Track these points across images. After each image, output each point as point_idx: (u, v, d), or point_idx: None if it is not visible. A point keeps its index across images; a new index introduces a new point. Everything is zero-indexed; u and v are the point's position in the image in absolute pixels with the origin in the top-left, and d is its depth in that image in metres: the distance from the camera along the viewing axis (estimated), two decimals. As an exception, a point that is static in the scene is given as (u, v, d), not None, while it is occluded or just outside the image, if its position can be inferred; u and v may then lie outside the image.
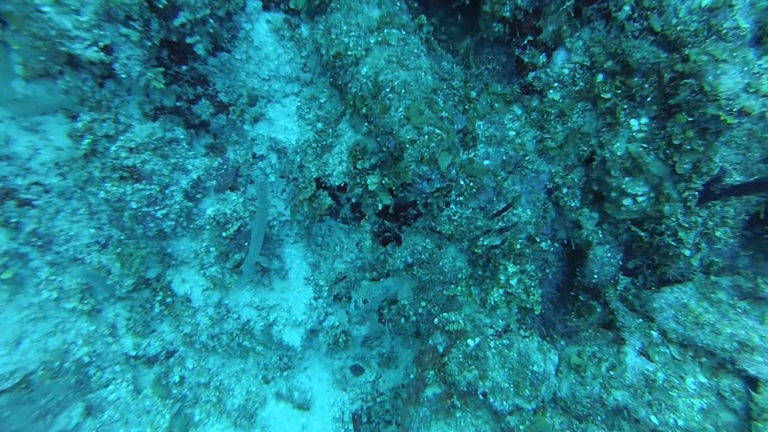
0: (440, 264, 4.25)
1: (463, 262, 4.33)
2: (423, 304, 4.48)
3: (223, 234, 4.09)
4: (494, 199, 4.12)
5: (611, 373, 4.07)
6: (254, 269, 4.18)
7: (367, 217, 3.84)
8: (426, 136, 3.14)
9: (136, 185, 3.54)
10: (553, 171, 4.21)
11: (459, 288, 4.29)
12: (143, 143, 3.48)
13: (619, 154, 3.71)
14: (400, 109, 3.20)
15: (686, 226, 3.78)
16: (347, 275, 4.62)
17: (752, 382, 3.40)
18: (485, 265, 4.29)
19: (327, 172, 3.78)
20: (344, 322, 4.84)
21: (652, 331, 4.04)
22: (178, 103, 3.66)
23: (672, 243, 3.85)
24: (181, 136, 3.72)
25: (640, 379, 3.91)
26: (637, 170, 3.64)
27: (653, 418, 3.72)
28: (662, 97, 3.39)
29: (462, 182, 3.90)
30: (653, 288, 4.37)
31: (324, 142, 3.83)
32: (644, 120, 3.55)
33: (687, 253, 3.88)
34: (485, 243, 4.14)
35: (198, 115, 3.74)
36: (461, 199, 3.96)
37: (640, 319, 4.21)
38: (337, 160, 3.77)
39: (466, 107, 3.94)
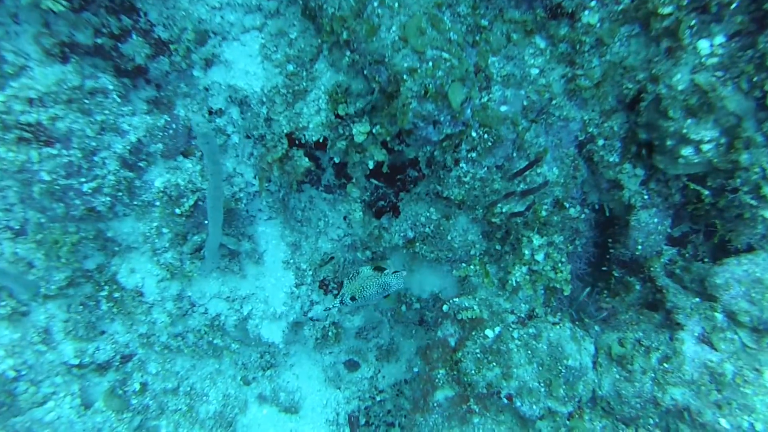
0: (448, 238, 3.43)
1: (476, 235, 3.51)
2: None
3: (177, 211, 3.26)
4: (514, 155, 3.28)
5: (665, 365, 3.30)
6: (219, 253, 3.36)
7: (354, 181, 3.00)
8: (430, 63, 2.29)
9: (45, 150, 2.67)
10: (586, 118, 3.36)
11: (472, 267, 3.50)
12: (50, 93, 2.60)
13: (680, 88, 2.86)
14: (394, 29, 2.33)
15: (776, 176, 2.92)
16: (335, 256, 3.80)
17: None
18: (504, 237, 3.48)
19: (301, 125, 2.92)
20: (334, 312, 4.05)
21: (716, 313, 3.24)
22: (98, 40, 2.76)
23: (750, 202, 3.01)
24: (110, 86, 2.84)
25: (702, 373, 3.14)
26: (706, 108, 2.80)
27: (723, 422, 2.99)
28: (754, 1, 2.52)
29: (474, 134, 3.05)
30: (706, 260, 3.57)
31: (296, 88, 2.96)
32: (719, 39, 2.69)
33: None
34: (504, 210, 3.32)
35: (129, 57, 2.85)
36: (473, 155, 3.11)
37: (697, 299, 3.43)
38: (313, 109, 2.91)
39: (476, 39, 3.06)
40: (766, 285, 3.06)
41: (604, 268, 3.97)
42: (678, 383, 3.15)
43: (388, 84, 2.38)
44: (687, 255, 3.66)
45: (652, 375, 3.24)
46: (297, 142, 2.98)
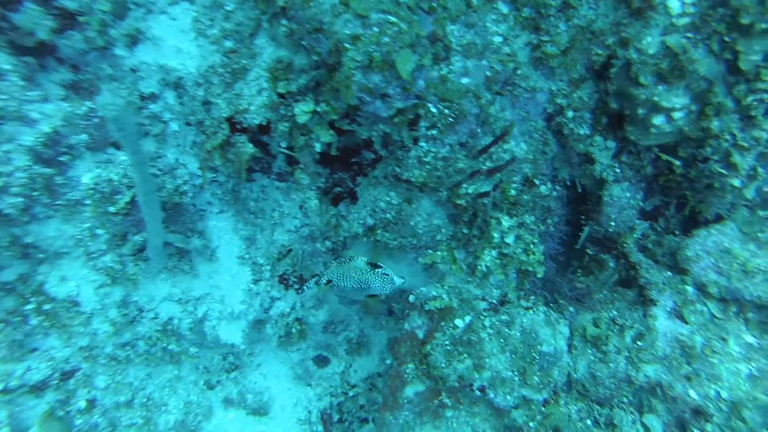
0: (411, 224, 3.20)
1: (441, 219, 3.29)
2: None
3: (111, 209, 2.94)
4: (478, 130, 3.04)
5: (639, 343, 3.20)
6: (164, 252, 3.06)
7: (302, 166, 2.72)
8: (375, 28, 2.01)
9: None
10: (554, 89, 3.15)
11: (439, 253, 3.28)
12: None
13: (651, 52, 2.66)
14: (332, -9, 2.03)
15: (744, 145, 2.78)
16: (293, 248, 3.53)
17: None
18: (471, 220, 3.27)
19: (242, 107, 2.62)
20: (297, 307, 3.80)
21: (687, 286, 3.18)
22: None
23: (721, 171, 2.87)
24: (7, 66, 2.45)
25: (674, 348, 3.10)
26: (678, 73, 2.62)
27: (692, 393, 2.99)
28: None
29: (434, 109, 2.79)
30: (677, 233, 3.46)
31: (235, 66, 2.64)
32: (690, -5, 2.49)
33: (737, 183, 2.91)
34: (470, 191, 3.09)
35: (27, 30, 2.47)
36: (434, 132, 2.86)
37: (669, 273, 3.32)
38: (254, 89, 2.60)
39: (433, 5, 2.77)
40: (733, 255, 3.02)
41: (577, 247, 3.82)
42: (651, 360, 3.10)
43: (329, 55, 2.10)
44: (659, 229, 3.56)
45: (627, 354, 3.14)
46: (239, 126, 2.67)
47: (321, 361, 4.44)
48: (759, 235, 3.08)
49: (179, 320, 3.45)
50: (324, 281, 2.63)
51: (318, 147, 2.42)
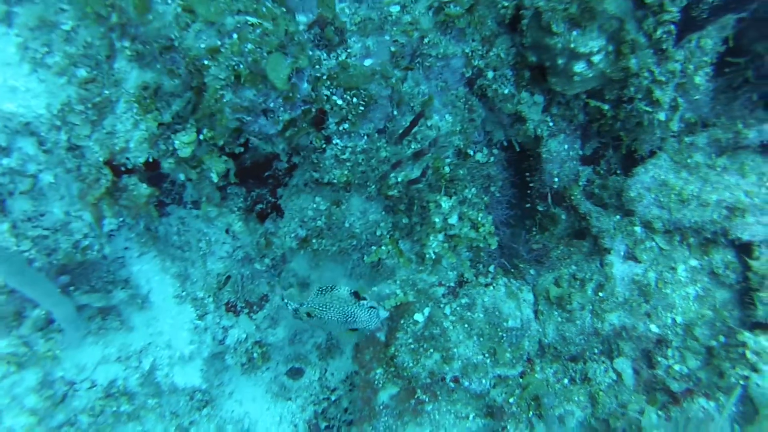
0: (347, 225, 2.97)
1: (377, 213, 3.07)
2: (343, 282, 3.26)
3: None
4: (394, 113, 2.78)
5: (600, 294, 3.17)
6: (79, 317, 2.74)
7: (206, 199, 2.42)
8: (234, 36, 1.69)
9: None
10: (467, 51, 2.89)
11: (383, 248, 3.07)
12: None
13: (556, -6, 2.42)
14: (173, -1, 1.69)
15: (662, 79, 2.66)
16: (231, 274, 3.27)
17: (746, 249, 2.99)
18: (409, 208, 3.06)
19: (119, 147, 2.27)
20: (252, 331, 3.58)
21: (635, 227, 3.18)
22: None
23: (646, 108, 2.74)
24: None
25: (632, 290, 3.15)
26: (588, 15, 2.40)
27: (653, 327, 3.10)
28: None
29: (339, 101, 2.51)
30: (619, 172, 3.38)
31: (97, 99, 2.27)
32: (586, -75, 2.24)
33: (663, 117, 2.80)
34: (399, 179, 2.86)
35: None
36: (346, 126, 2.59)
37: (618, 216, 3.25)
38: (129, 123, 2.25)
39: (314, -18, 2.44)
40: (670, 186, 3.03)
41: (527, 205, 3.69)
42: (614, 308, 3.14)
43: (189, 76, 1.77)
44: (602, 172, 3.45)
45: (590, 308, 3.13)
46: (123, 168, 2.34)
47: (295, 373, 4.27)
48: (688, 161, 3.07)
49: (124, 379, 3.18)
50: (304, 312, 2.37)
51: (215, 178, 2.12)
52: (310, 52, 2.35)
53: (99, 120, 2.28)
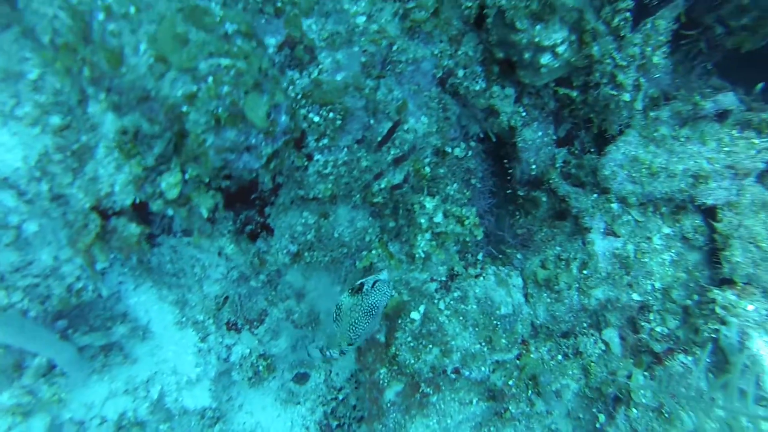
0: (336, 235, 3.04)
1: (365, 220, 3.14)
2: (338, 289, 3.34)
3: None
4: (371, 122, 2.83)
5: (584, 272, 3.32)
6: (80, 358, 2.77)
7: (198, 232, 2.45)
8: (209, 79, 1.72)
9: None
10: (436, 52, 2.94)
11: (373, 252, 3.16)
12: None
13: (516, -6, 2.47)
14: (143, 47, 1.70)
15: (624, 64, 2.76)
16: (228, 295, 3.32)
17: (711, 213, 3.19)
18: (394, 212, 3.13)
19: (104, 192, 2.27)
20: (255, 345, 3.65)
21: (612, 204, 3.34)
22: None
23: (612, 92, 2.85)
24: None
25: (614, 264, 3.31)
26: (549, 9, 2.47)
27: (635, 296, 3.27)
28: None
29: (316, 118, 2.55)
30: (593, 151, 3.51)
31: (75, 146, 2.26)
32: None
33: (628, 98, 2.92)
34: (382, 186, 2.93)
35: None
36: (325, 141, 2.63)
37: (595, 195, 3.39)
38: (111, 167, 2.25)
39: (278, 5, 2.44)
40: (641, 161, 3.16)
41: (508, 191, 3.80)
42: (598, 284, 3.29)
43: (170, 123, 1.79)
44: (576, 151, 3.57)
45: (576, 286, 3.28)
46: (111, 212, 2.35)
47: (301, 378, 4.37)
48: (654, 134, 3.21)
49: (134, 410, 3.23)
50: (346, 346, 2.36)
51: (205, 213, 2.16)
52: (286, 73, 2.38)
53: (80, 167, 2.28)
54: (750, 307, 3.02)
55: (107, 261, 2.61)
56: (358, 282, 2.33)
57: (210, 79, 1.72)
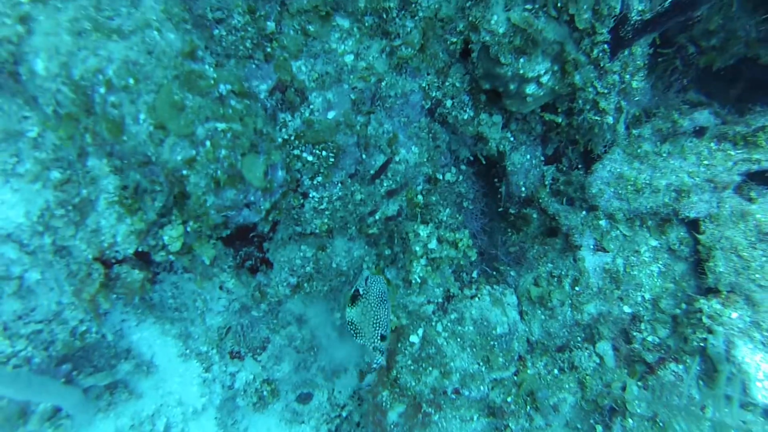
0: (334, 265, 3.11)
1: (361, 249, 3.22)
2: (338, 315, 3.42)
3: None
4: (363, 156, 2.91)
5: (576, 288, 3.41)
6: (86, 399, 2.83)
7: (200, 275, 2.52)
8: (207, 143, 1.78)
9: None
10: (424, 85, 3.01)
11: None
12: None
13: (501, 31, 2.56)
14: (142, 116, 1.76)
15: (605, 91, 2.86)
16: (231, 325, 3.39)
17: (694, 225, 3.29)
18: (390, 240, 3.22)
19: (107, 243, 2.33)
20: (258, 371, 3.72)
21: (600, 221, 3.41)
22: None
23: (595, 118, 2.94)
24: None
25: (605, 279, 3.39)
26: (531, 44, 2.55)
27: (626, 309, 3.37)
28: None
29: (309, 157, 2.62)
30: (580, 167, 3.60)
31: (76, 200, 2.31)
32: (517, -29, 2.37)
33: (611, 120, 3.02)
34: (377, 217, 3.01)
35: None
36: (319, 179, 2.71)
37: (584, 212, 3.48)
38: (113, 218, 2.31)
39: (267, 50, 2.51)
40: (626, 178, 3.25)
41: (500, 209, 3.89)
42: (590, 299, 3.38)
43: (170, 186, 1.86)
44: (564, 168, 3.65)
45: (569, 302, 3.37)
46: (113, 261, 2.41)
47: (305, 398, 4.44)
48: (638, 151, 3.31)
49: (143, 443, 3.29)
50: (380, 343, 2.43)
51: (207, 261, 2.22)
52: (278, 116, 2.44)
53: (82, 220, 2.33)
54: (734, 315, 3.12)
55: (111, 305, 2.66)
56: (350, 292, 2.43)
57: (208, 143, 1.79)
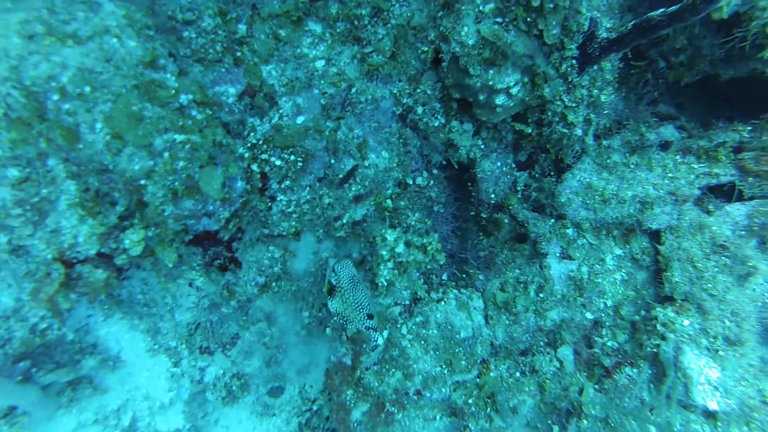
0: (302, 268, 3.14)
1: (329, 251, 3.25)
2: (306, 314, 3.46)
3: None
4: (332, 161, 2.92)
5: (541, 295, 3.49)
6: (45, 396, 2.84)
7: (164, 278, 2.53)
8: (165, 155, 1.79)
9: None
10: (395, 91, 3.02)
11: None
12: None
13: (471, 42, 2.58)
14: (99, 125, 1.76)
15: (573, 105, 2.90)
16: (200, 322, 3.41)
17: (656, 236, 3.40)
18: (358, 243, 3.25)
19: (67, 244, 2.33)
20: (228, 365, 3.76)
21: (567, 230, 3.49)
22: None
23: (563, 130, 3.00)
24: None
25: (569, 286, 3.48)
26: (501, 56, 2.57)
27: (588, 315, 3.48)
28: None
29: (278, 162, 2.63)
30: (553, 174, 3.66)
31: (35, 198, 2.30)
32: (486, -14, 2.38)
33: (579, 132, 3.08)
34: (345, 221, 3.04)
35: None
36: (287, 183, 2.72)
37: (552, 220, 3.56)
38: (74, 219, 2.30)
39: (237, 55, 2.49)
40: (594, 188, 3.34)
41: (472, 213, 3.94)
42: (553, 306, 3.48)
43: (129, 193, 1.86)
44: (536, 174, 3.71)
45: (533, 308, 3.46)
46: (73, 261, 2.40)
47: (276, 391, 4.50)
48: (608, 161, 3.38)
49: (107, 438, 3.32)
50: (370, 322, 2.61)
51: (170, 264, 2.23)
52: (246, 121, 2.44)
53: (41, 219, 2.32)
54: (686, 323, 3.25)
55: (72, 305, 2.66)
56: (326, 286, 2.56)
57: (166, 154, 1.80)
